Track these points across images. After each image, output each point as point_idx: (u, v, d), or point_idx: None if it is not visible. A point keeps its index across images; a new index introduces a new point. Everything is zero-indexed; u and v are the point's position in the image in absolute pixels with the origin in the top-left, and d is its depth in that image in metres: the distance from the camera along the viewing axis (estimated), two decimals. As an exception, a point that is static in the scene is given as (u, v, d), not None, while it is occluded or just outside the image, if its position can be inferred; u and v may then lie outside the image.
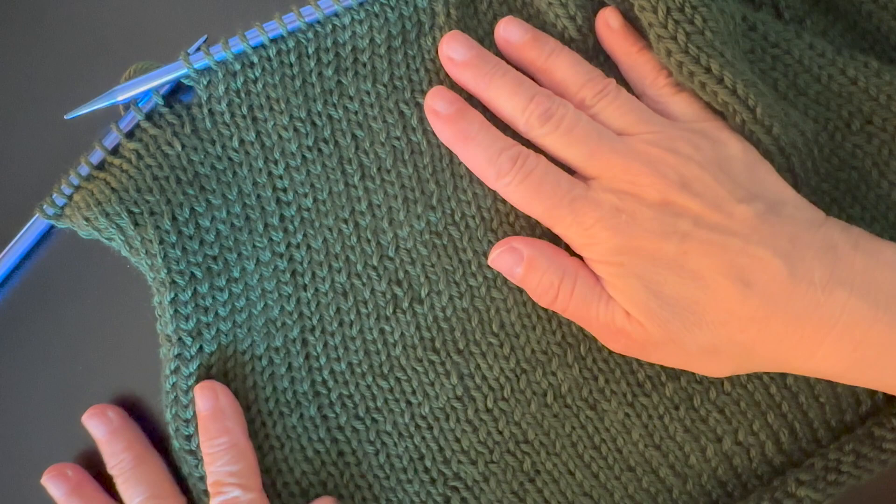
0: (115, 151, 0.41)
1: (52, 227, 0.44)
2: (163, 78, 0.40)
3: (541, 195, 0.38)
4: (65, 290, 0.45)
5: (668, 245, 0.36)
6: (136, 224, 0.40)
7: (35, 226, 0.44)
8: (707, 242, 0.36)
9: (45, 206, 0.41)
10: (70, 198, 0.41)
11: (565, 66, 0.40)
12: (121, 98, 0.40)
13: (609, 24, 0.41)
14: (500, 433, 0.41)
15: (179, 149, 0.41)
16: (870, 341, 0.35)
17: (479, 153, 0.39)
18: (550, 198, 0.38)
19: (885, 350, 0.35)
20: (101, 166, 0.41)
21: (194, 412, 0.40)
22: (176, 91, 0.42)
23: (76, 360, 0.45)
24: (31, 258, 0.45)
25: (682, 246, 0.36)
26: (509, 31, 0.41)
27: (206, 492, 0.40)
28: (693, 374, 0.41)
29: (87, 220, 0.40)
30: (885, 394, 0.40)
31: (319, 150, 0.41)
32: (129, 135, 0.41)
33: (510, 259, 0.39)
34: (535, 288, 0.39)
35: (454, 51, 0.40)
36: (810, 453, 0.41)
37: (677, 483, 0.41)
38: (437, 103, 0.40)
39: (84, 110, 0.41)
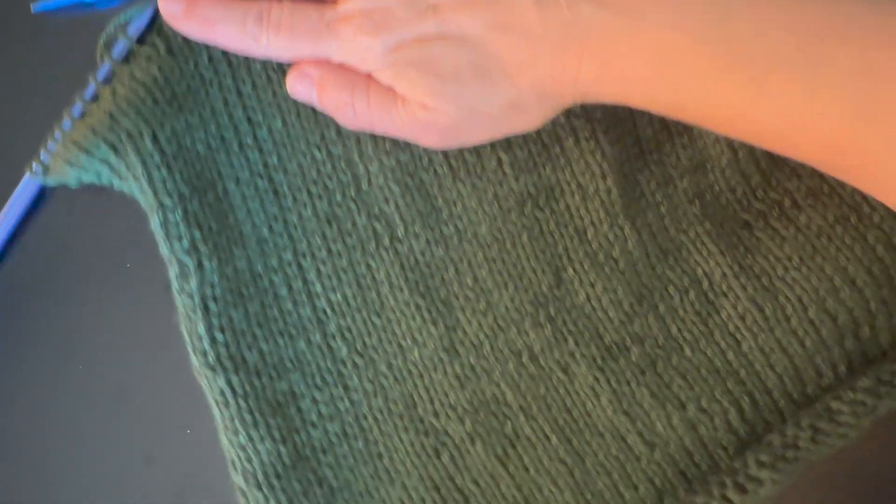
0: (95, 99, 0.41)
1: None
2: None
3: (299, 37, 0.39)
4: (65, 290, 0.45)
5: (425, 23, 0.37)
6: (115, 151, 0.40)
7: (25, 193, 0.45)
8: (457, 5, 0.37)
9: (33, 165, 0.42)
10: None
11: None
12: None
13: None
14: (483, 392, 0.41)
15: (156, 72, 0.41)
16: (617, 52, 0.36)
17: (228, 32, 0.39)
18: (309, 34, 0.39)
19: (630, 59, 0.36)
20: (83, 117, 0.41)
21: (207, 326, 0.40)
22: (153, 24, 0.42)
23: (76, 360, 0.44)
24: (29, 246, 0.45)
25: (438, 17, 0.37)
26: None
27: (224, 403, 0.40)
28: (655, 338, 0.41)
29: (69, 163, 0.41)
30: (846, 367, 0.40)
31: (284, 71, 0.42)
32: (108, 81, 0.41)
33: (304, 85, 0.40)
34: (334, 109, 0.40)
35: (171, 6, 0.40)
36: (773, 425, 0.40)
37: (646, 451, 0.40)
38: (170, 6, 0.39)
39: (50, 5, 0.42)
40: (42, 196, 0.45)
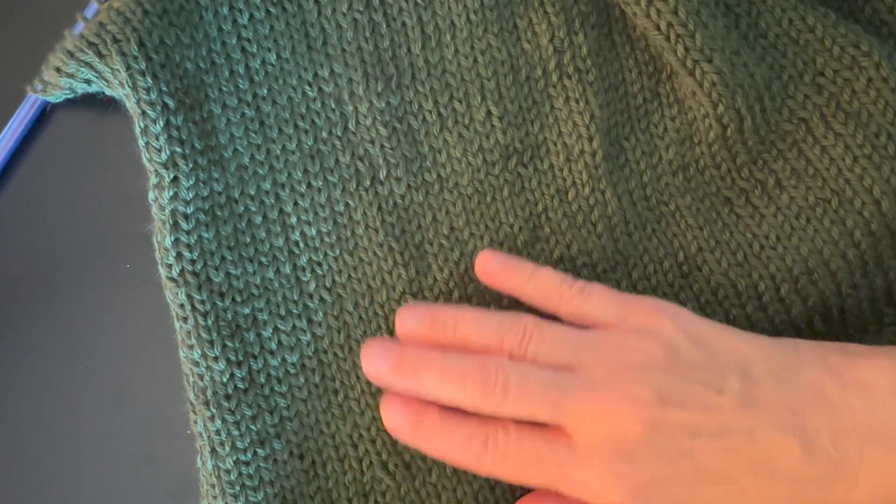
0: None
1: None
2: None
3: (527, 469, 0.36)
4: (65, 289, 0.45)
5: (679, 468, 0.34)
6: (100, 55, 0.40)
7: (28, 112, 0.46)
8: (715, 449, 0.35)
9: (35, 84, 0.43)
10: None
11: (474, 331, 0.38)
12: None
13: (489, 268, 0.40)
14: None
15: None
16: (895, 481, 0.35)
17: (452, 449, 0.37)
18: (537, 471, 0.36)
19: None
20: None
21: (174, 242, 0.40)
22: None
23: (76, 360, 0.44)
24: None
25: (694, 462, 0.34)
26: (406, 324, 0.39)
27: (183, 317, 0.40)
28: None
29: (57, 70, 0.41)
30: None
31: (283, 7, 0.42)
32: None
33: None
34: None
35: (378, 365, 0.38)
36: None
37: None
38: (395, 419, 0.38)
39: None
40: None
